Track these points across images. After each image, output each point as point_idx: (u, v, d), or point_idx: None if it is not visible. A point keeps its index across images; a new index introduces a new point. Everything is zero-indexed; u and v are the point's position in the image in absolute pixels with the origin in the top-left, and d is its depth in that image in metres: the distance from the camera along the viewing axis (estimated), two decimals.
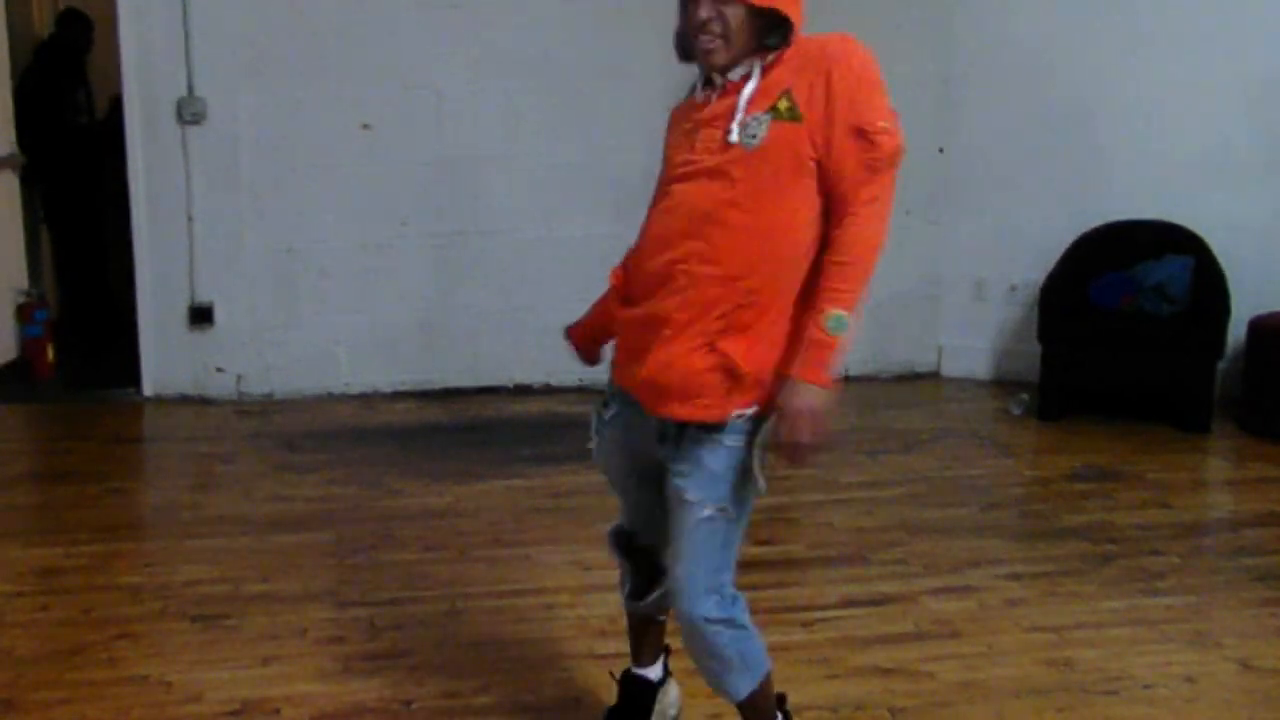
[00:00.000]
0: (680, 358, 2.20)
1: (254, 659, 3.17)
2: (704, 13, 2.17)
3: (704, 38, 2.19)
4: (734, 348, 2.18)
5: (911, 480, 4.54)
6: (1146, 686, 3.01)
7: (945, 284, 5.95)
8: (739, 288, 2.17)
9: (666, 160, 2.36)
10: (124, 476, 4.74)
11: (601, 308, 2.51)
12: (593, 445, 2.48)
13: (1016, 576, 3.67)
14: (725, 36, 2.18)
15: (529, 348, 5.72)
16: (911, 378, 5.94)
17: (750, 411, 2.23)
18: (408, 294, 5.75)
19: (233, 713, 2.91)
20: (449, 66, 5.59)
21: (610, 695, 2.80)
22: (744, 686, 2.37)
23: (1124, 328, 5.16)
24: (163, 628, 3.39)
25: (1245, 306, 5.13)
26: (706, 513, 2.23)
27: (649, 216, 2.36)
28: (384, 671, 3.10)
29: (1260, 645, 3.23)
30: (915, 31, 5.73)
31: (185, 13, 5.44)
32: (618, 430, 2.41)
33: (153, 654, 3.22)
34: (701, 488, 2.23)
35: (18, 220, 6.38)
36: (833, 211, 2.20)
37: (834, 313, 2.15)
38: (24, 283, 6.29)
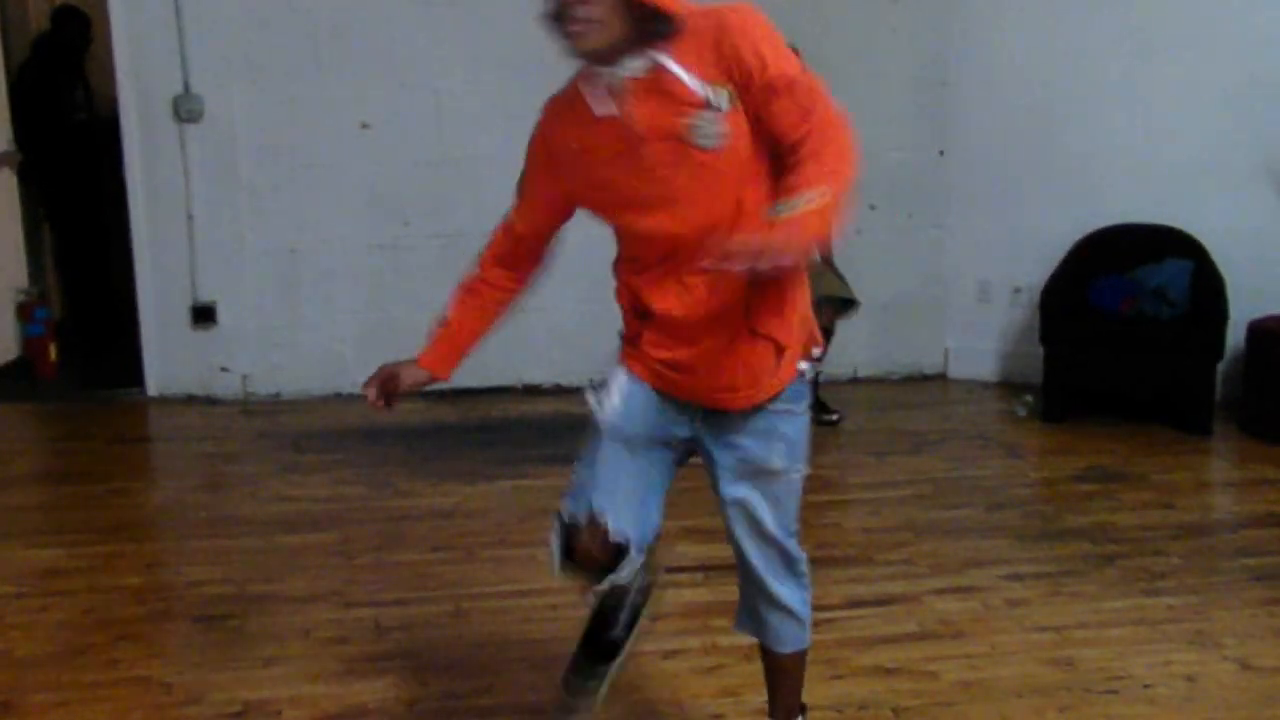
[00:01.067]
0: (736, 355, 2.22)
1: (257, 660, 3.19)
2: None
3: (572, 24, 2.08)
4: (769, 325, 2.22)
5: (918, 481, 4.55)
6: (1147, 686, 3.02)
7: (950, 287, 5.96)
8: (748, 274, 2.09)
9: (598, 188, 2.21)
10: (127, 477, 4.75)
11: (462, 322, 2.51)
12: (608, 400, 2.31)
13: (1020, 577, 3.68)
14: (593, 20, 2.06)
15: (538, 348, 5.73)
16: (919, 379, 5.95)
17: (805, 367, 2.31)
18: (414, 293, 5.73)
19: (234, 714, 2.92)
20: (447, 65, 5.60)
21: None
22: (801, 640, 2.49)
23: (1124, 330, 5.17)
24: (165, 629, 3.41)
25: (1244, 310, 5.14)
26: (795, 476, 2.36)
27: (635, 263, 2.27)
28: (388, 673, 3.11)
29: (1260, 645, 3.24)
30: (914, 36, 5.74)
31: (179, 9, 5.42)
32: (647, 399, 2.32)
33: (154, 655, 3.24)
34: (785, 456, 2.32)
35: (17, 218, 6.38)
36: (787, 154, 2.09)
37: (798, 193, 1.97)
38: (24, 281, 6.30)
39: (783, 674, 2.57)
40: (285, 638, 3.31)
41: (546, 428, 5.26)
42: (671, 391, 2.30)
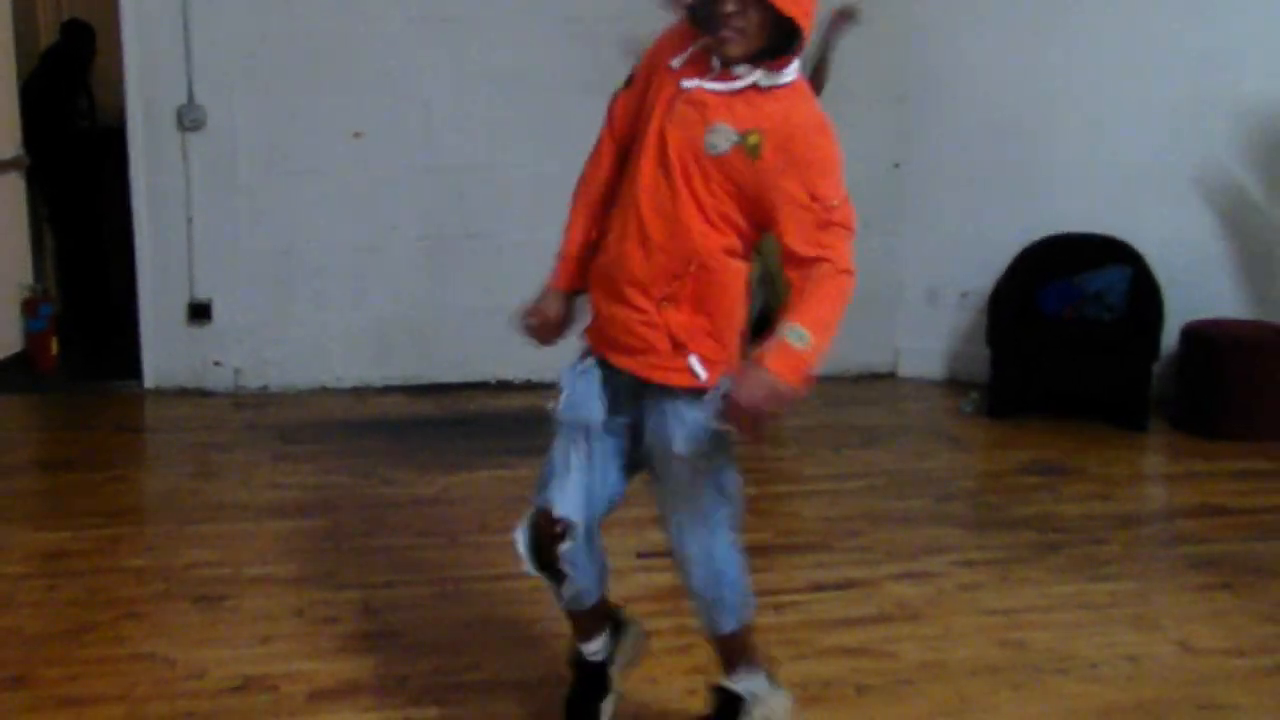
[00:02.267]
0: (645, 326, 2.34)
1: (253, 638, 3.15)
2: (730, 6, 2.15)
3: (726, 31, 2.17)
4: (673, 320, 2.31)
5: (873, 473, 4.55)
6: (1093, 665, 3.04)
7: (902, 290, 5.97)
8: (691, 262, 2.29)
9: (647, 102, 2.31)
10: (126, 465, 4.68)
11: None
12: (559, 395, 2.45)
13: (971, 563, 3.70)
14: (744, 32, 2.17)
15: (512, 346, 5.62)
16: (870, 378, 5.95)
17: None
18: (398, 293, 5.71)
19: (234, 688, 2.88)
20: (437, 78, 5.56)
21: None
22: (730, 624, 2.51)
23: (1067, 332, 5.20)
24: (166, 608, 3.35)
25: (1178, 314, 5.20)
26: (701, 467, 2.41)
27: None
28: (378, 650, 3.08)
29: (1197, 627, 3.27)
30: (873, 55, 5.73)
31: (186, 23, 5.39)
32: (588, 386, 2.45)
33: (157, 633, 3.19)
34: (687, 440, 2.38)
35: (23, 219, 6.28)
36: (787, 260, 2.27)
37: (793, 325, 2.20)
38: (29, 278, 6.20)
39: (728, 649, 2.57)
40: (280, 617, 3.27)
41: (520, 420, 5.22)
42: (603, 351, 2.39)
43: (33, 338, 5.99)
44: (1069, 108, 5.52)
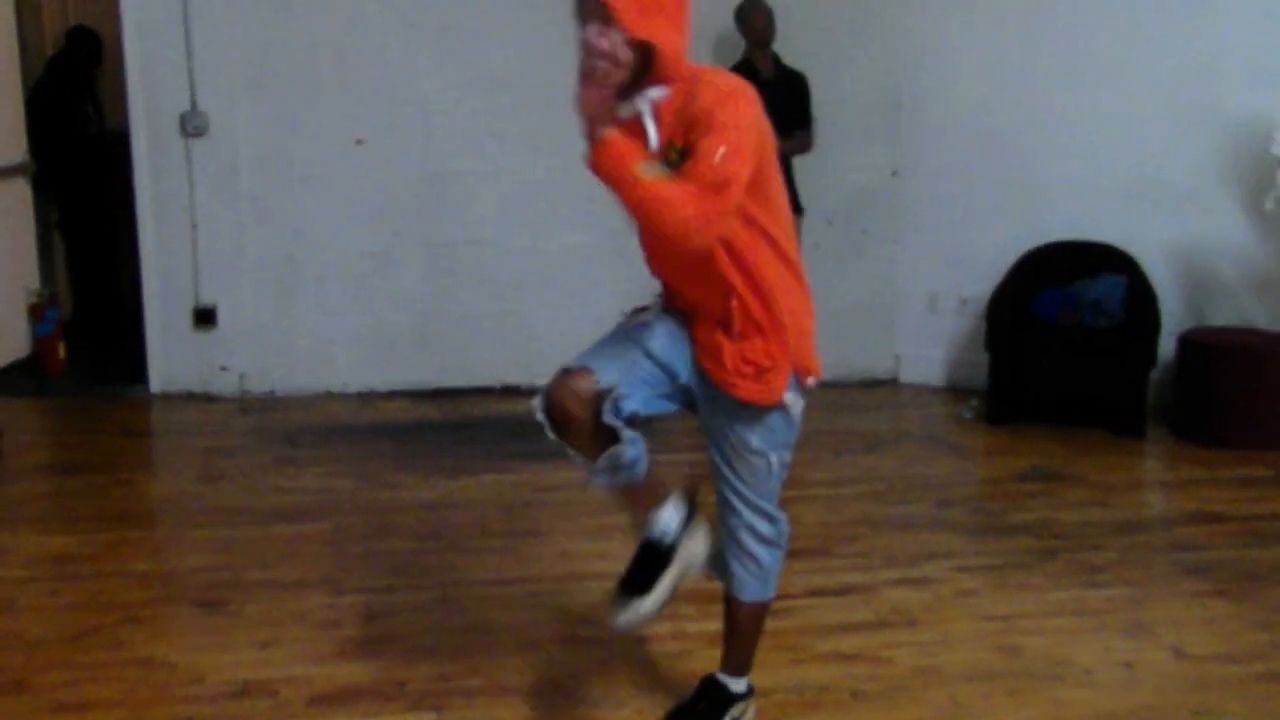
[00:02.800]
0: (714, 340, 2.40)
1: (255, 642, 3.14)
2: (588, 35, 2.12)
3: (595, 63, 2.12)
4: (748, 338, 2.37)
5: (872, 479, 4.54)
6: (1089, 672, 3.02)
7: (901, 297, 5.96)
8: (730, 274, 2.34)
9: None
10: (131, 468, 4.68)
11: None
12: (642, 315, 2.44)
13: (968, 569, 3.68)
14: (606, 67, 2.12)
15: (516, 350, 5.70)
16: (871, 384, 5.95)
17: (791, 400, 2.44)
18: (402, 299, 5.71)
19: (235, 693, 2.87)
20: (437, 85, 5.57)
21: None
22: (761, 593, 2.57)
23: (1064, 339, 5.19)
24: (168, 612, 3.35)
25: (1174, 322, 5.19)
26: (774, 459, 2.49)
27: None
28: (379, 655, 3.07)
29: (1192, 634, 3.25)
30: (869, 66, 5.75)
31: (188, 32, 5.40)
32: (672, 333, 2.45)
33: (158, 637, 3.19)
34: (763, 440, 2.46)
35: (30, 224, 6.29)
36: None
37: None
38: (36, 283, 6.20)
39: (739, 626, 2.62)
40: (281, 622, 3.26)
41: (524, 425, 5.17)
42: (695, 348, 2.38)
43: (40, 342, 6.00)
44: (1065, 116, 5.51)
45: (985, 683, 2.96)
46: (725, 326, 2.33)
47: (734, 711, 2.69)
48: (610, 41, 2.10)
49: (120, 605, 3.34)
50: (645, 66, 2.16)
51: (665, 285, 2.46)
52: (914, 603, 3.43)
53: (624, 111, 2.18)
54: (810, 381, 2.45)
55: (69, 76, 6.73)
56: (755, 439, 2.41)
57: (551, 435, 2.29)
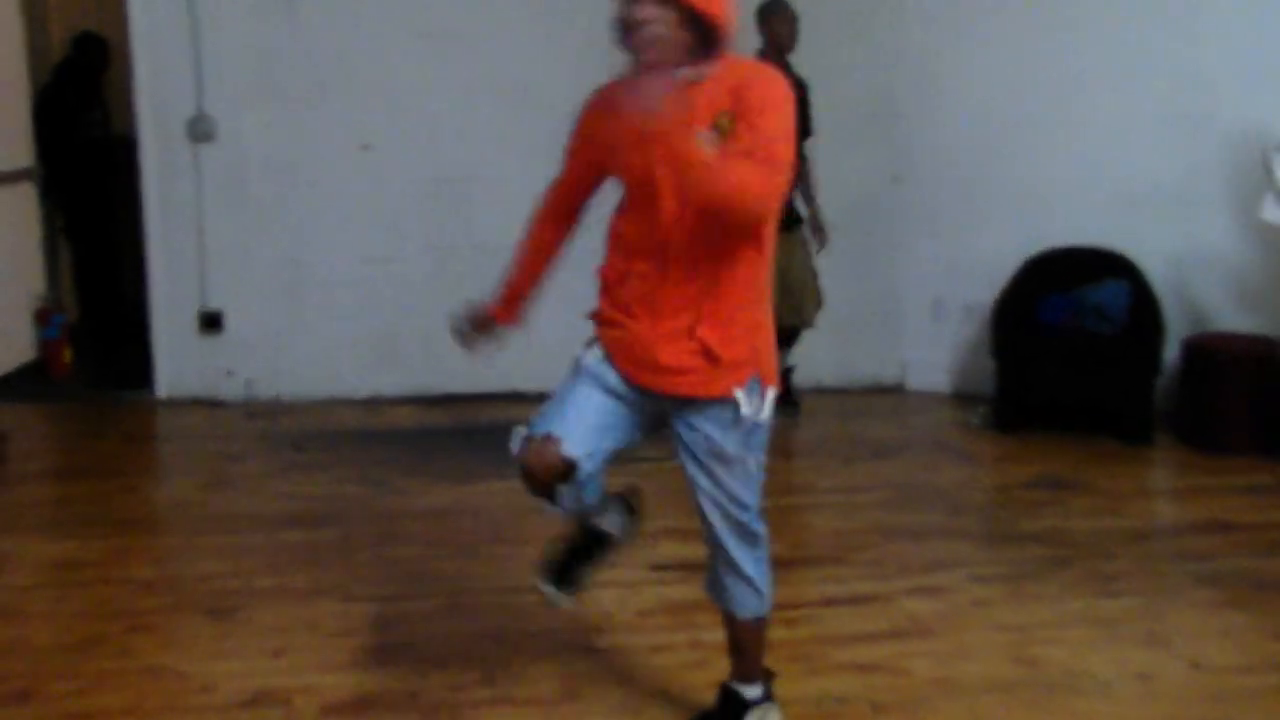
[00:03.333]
0: (674, 344, 2.43)
1: (265, 651, 3.08)
2: (642, 12, 2.17)
3: (640, 37, 2.19)
4: (707, 332, 2.40)
5: (883, 486, 4.48)
6: (1106, 683, 2.97)
7: (906, 304, 5.91)
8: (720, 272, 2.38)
9: (615, 155, 2.37)
10: (138, 474, 4.62)
11: None
12: (593, 352, 2.50)
13: (982, 578, 3.63)
14: (662, 39, 2.18)
15: (523, 356, 5.61)
16: (878, 391, 5.90)
17: (748, 413, 2.45)
18: (409, 304, 5.65)
19: (245, 703, 2.81)
20: (443, 92, 5.52)
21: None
22: (758, 608, 2.59)
23: (1068, 346, 5.14)
24: (177, 620, 3.29)
25: (1178, 328, 5.15)
26: (750, 463, 2.52)
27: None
28: (391, 663, 3.02)
29: (1208, 645, 3.20)
30: (870, 72, 5.71)
31: (195, 37, 5.36)
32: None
33: (167, 645, 3.13)
34: (739, 444, 2.48)
35: (36, 229, 6.26)
36: None
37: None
38: (42, 288, 6.16)
39: (741, 640, 2.63)
40: (292, 630, 3.21)
41: None
42: (626, 371, 2.42)
43: (46, 346, 5.95)
44: (1067, 122, 5.47)
45: (1004, 694, 2.91)
46: (693, 317, 2.34)
47: (753, 717, 2.65)
48: (657, 14, 2.15)
49: (128, 612, 3.29)
50: (704, 41, 2.21)
51: (613, 281, 2.45)
52: (929, 612, 3.38)
53: (680, 83, 2.21)
54: (770, 393, 2.43)
55: (76, 82, 6.68)
56: (730, 445, 2.41)
57: (528, 491, 2.47)
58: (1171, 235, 5.33)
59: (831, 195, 5.60)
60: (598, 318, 2.51)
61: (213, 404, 5.47)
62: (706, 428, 2.41)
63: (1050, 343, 5.17)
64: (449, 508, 4.18)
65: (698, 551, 3.84)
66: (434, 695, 2.86)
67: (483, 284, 5.59)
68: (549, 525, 3.93)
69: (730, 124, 2.20)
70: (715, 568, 2.57)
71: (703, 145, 2.15)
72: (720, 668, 2.97)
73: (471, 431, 5.19)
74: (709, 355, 2.35)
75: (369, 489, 4.36)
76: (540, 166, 5.47)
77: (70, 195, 6.70)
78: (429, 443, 4.98)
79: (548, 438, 2.37)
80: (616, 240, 2.46)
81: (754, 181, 2.15)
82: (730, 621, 2.61)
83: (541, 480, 2.39)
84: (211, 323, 5.54)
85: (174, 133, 5.43)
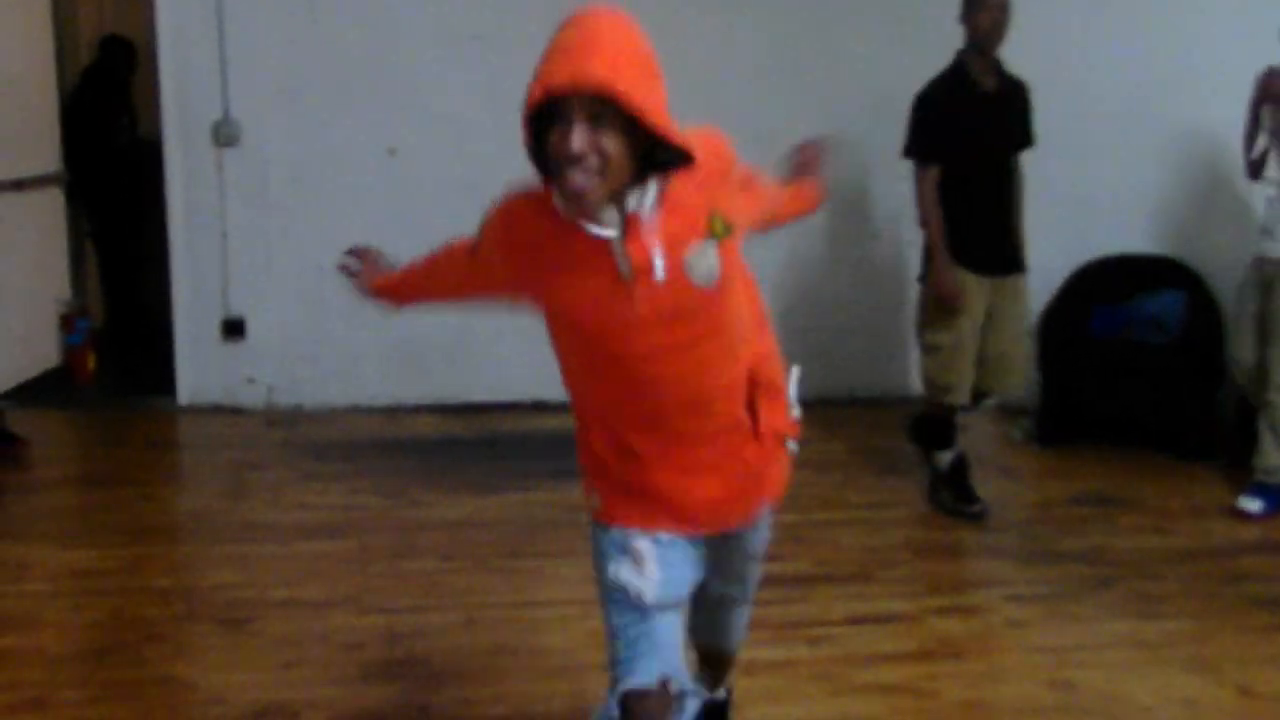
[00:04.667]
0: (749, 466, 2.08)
1: (276, 663, 3.12)
2: (576, 145, 1.71)
3: (576, 173, 1.73)
4: (774, 419, 2.10)
5: (915, 501, 4.44)
6: (1147, 710, 2.94)
7: None
8: (745, 373, 2.04)
9: (570, 314, 1.96)
10: (157, 482, 4.68)
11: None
12: (647, 571, 2.02)
13: (1018, 598, 3.59)
14: (602, 173, 1.74)
15: (546, 365, 5.62)
16: (913, 401, 5.83)
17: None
18: (431, 312, 5.67)
19: (255, 715, 2.85)
20: (467, 95, 5.54)
21: None
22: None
23: (1120, 358, 5.08)
24: (190, 630, 3.34)
25: None
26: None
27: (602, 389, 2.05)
28: (401, 678, 3.04)
29: (1259, 671, 3.15)
30: (919, 67, 5.65)
31: (222, 40, 5.42)
32: (682, 554, 2.08)
33: (179, 656, 3.18)
34: (766, 539, 2.31)
35: (62, 234, 6.35)
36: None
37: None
38: (67, 293, 6.26)
39: (725, 667, 2.59)
40: (304, 642, 3.24)
41: (554, 443, 5.17)
42: (692, 527, 2.07)
43: (70, 352, 6.04)
44: (1123, 125, 5.40)
45: (1037, 719, 2.87)
46: (750, 414, 2.04)
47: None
48: (597, 142, 1.73)
49: (143, 622, 3.34)
50: (649, 158, 1.78)
51: (620, 479, 2.04)
52: (960, 633, 3.35)
53: (639, 204, 1.81)
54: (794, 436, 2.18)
55: (103, 86, 6.80)
56: (759, 543, 2.25)
57: None
58: (1235, 241, 5.24)
59: (875, 200, 5.58)
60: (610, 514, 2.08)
61: (234, 411, 5.54)
62: (754, 535, 2.21)
63: (1099, 354, 5.11)
64: (466, 520, 4.20)
65: None
66: (443, 712, 2.88)
67: None
68: (564, 540, 3.98)
69: (725, 225, 1.86)
70: (715, 626, 2.41)
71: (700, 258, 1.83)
72: (736, 686, 2.98)
73: (492, 442, 5.22)
74: (779, 438, 2.11)
75: (386, 500, 4.39)
76: None
77: (97, 200, 6.81)
78: (448, 453, 5.01)
79: (665, 682, 2.01)
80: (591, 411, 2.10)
81: (809, 198, 2.31)
82: (719, 657, 2.52)
83: None
84: (234, 329, 5.60)
85: (199, 137, 5.50)
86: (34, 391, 5.73)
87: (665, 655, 2.02)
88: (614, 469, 2.05)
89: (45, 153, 6.10)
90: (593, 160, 1.73)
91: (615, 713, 2.02)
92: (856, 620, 3.41)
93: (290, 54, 5.48)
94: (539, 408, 5.60)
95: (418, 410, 5.62)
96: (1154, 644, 3.29)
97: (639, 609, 2.01)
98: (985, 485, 4.70)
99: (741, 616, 2.43)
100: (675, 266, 1.83)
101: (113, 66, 6.85)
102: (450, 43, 5.53)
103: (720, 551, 2.17)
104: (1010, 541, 4.13)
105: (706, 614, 2.36)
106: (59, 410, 5.56)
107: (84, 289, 6.73)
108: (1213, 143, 5.27)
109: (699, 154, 1.81)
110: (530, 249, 1.93)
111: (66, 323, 6.09)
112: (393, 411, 5.60)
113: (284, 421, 5.43)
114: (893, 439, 5.26)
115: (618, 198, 1.80)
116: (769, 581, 3.59)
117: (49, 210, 6.20)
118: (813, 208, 2.38)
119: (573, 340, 2.02)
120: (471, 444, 5.18)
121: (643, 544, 2.02)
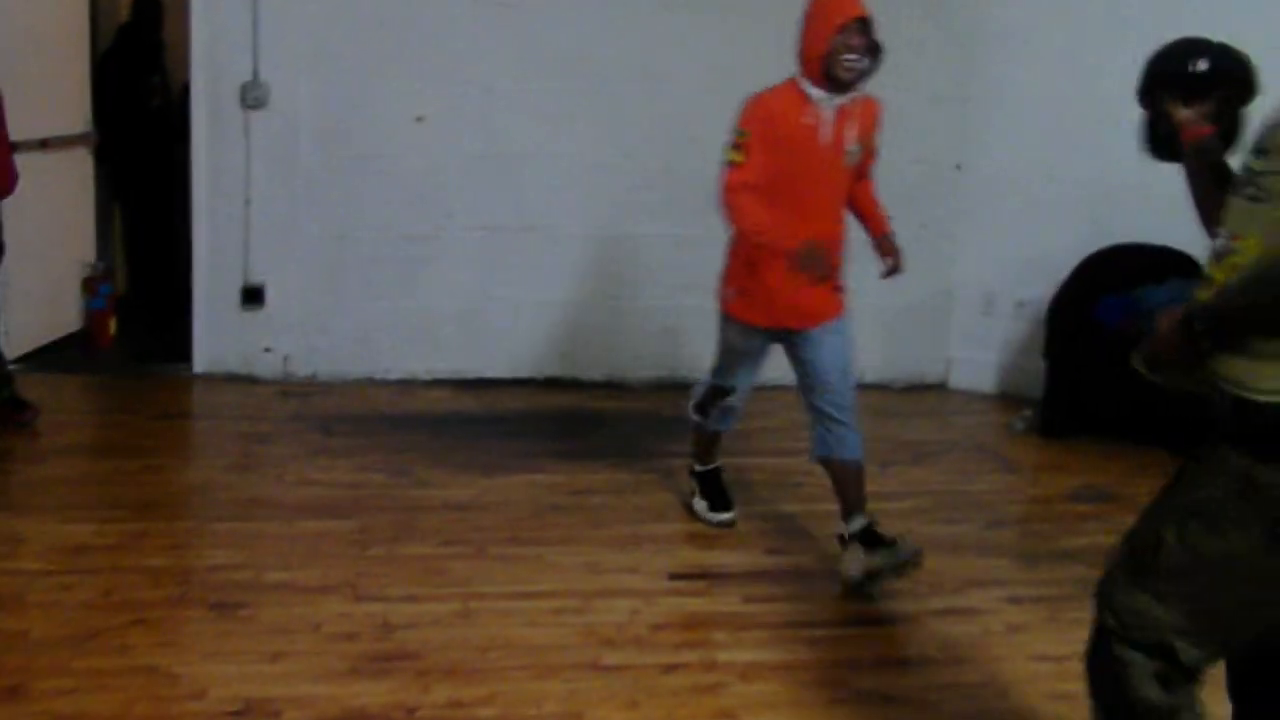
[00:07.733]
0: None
1: (264, 654, 2.88)
2: (858, 40, 3.15)
3: (851, 58, 3.16)
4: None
5: (918, 494, 4.18)
6: None
7: (956, 297, 5.57)
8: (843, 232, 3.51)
9: (788, 143, 3.22)
10: (164, 454, 4.41)
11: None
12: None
13: (1019, 600, 3.34)
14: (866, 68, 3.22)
15: (561, 342, 5.39)
16: (920, 388, 5.56)
17: None
18: (449, 284, 5.41)
19: (235, 713, 2.62)
20: (499, 64, 5.23)
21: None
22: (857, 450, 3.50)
23: (1127, 349, 4.75)
24: (179, 615, 3.11)
25: None
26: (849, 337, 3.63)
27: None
28: (391, 674, 2.80)
29: None
30: (939, 53, 5.35)
31: (255, 1, 5.10)
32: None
33: (165, 643, 2.95)
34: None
35: (89, 196, 6.08)
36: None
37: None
38: (92, 256, 6.01)
39: (845, 480, 3.40)
40: (295, 631, 3.00)
41: (564, 421, 4.93)
42: (778, 323, 3.44)
43: (92, 316, 5.80)
44: (1132, 118, 5.05)
45: None
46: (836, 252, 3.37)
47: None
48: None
49: (132, 605, 3.10)
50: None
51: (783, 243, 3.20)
52: (960, 637, 3.10)
53: (850, 101, 3.29)
54: None
55: (136, 46, 6.49)
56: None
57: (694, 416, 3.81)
58: None
59: (890, 181, 5.25)
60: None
61: (249, 380, 5.29)
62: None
63: (1105, 345, 4.80)
64: (470, 502, 3.95)
65: (719, 559, 3.62)
66: (432, 712, 2.65)
67: (527, 267, 5.40)
68: (565, 526, 3.73)
69: (860, 148, 3.40)
70: (821, 432, 3.39)
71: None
72: (733, 691, 2.77)
73: (501, 419, 4.96)
74: (838, 288, 3.58)
75: (392, 478, 4.14)
76: (596, 145, 5.28)
77: (126, 163, 6.53)
78: (458, 429, 4.75)
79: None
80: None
81: (875, 219, 3.78)
82: (835, 467, 3.39)
83: None
84: (253, 297, 5.34)
85: (226, 99, 5.18)
86: (52, 355, 5.49)
87: (736, 372, 3.61)
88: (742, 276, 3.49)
89: (74, 112, 5.80)
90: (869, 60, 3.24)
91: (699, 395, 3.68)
92: (857, 620, 3.19)
93: (322, 17, 5.15)
94: (551, 384, 5.34)
95: (431, 384, 5.36)
96: None
97: (734, 354, 3.59)
98: (985, 478, 4.45)
99: (835, 407, 3.44)
100: (841, 148, 3.31)
101: (145, 26, 6.54)
102: (483, 9, 5.21)
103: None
104: (1010, 539, 3.88)
105: (811, 410, 3.51)
106: (75, 374, 5.32)
107: (110, 253, 6.48)
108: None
109: (875, 102, 3.41)
110: (780, 127, 3.25)
111: (89, 286, 5.85)
112: (406, 385, 5.34)
113: (297, 392, 5.18)
114: (899, 427, 5.00)
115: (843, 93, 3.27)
116: (772, 575, 3.40)
117: (76, 171, 5.92)
118: (873, 225, 3.68)
119: (788, 177, 3.26)
120: (481, 421, 4.92)
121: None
